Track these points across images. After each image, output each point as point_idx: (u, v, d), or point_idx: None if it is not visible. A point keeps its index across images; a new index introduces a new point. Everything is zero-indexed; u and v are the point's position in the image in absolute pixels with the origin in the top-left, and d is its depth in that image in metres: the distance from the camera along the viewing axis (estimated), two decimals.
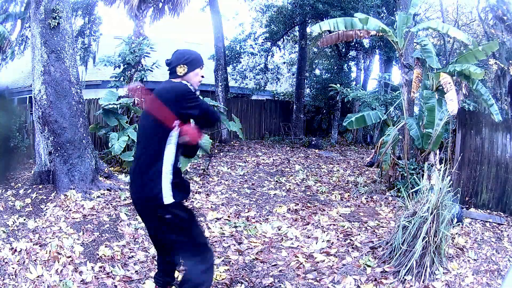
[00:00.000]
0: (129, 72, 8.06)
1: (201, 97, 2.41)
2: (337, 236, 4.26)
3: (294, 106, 14.95)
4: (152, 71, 8.37)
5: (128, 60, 7.78)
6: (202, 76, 2.46)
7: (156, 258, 2.74)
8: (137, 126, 7.50)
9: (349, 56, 16.13)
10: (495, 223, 4.98)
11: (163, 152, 2.22)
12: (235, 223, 4.61)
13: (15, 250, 3.47)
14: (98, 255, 3.51)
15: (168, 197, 2.20)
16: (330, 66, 16.36)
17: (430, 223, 3.23)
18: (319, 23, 6.32)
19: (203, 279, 2.29)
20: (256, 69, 15.84)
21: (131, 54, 7.77)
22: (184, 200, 2.42)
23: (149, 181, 2.21)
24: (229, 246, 3.91)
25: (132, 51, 7.81)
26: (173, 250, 2.43)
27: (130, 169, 2.40)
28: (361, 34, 6.10)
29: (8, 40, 8.35)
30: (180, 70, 2.35)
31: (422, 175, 3.89)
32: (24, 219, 4.31)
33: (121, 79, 8.04)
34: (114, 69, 8.06)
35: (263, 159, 9.74)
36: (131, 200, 2.76)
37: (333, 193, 6.38)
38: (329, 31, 6.59)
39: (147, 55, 8.11)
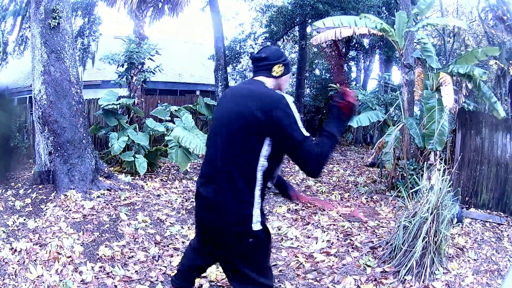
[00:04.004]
0: (131, 71, 8.10)
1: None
2: (337, 236, 4.26)
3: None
4: (154, 73, 8.44)
5: (132, 60, 7.82)
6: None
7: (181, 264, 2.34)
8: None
9: (349, 56, 16.12)
10: (495, 223, 4.98)
11: (256, 169, 1.83)
12: None
13: (15, 250, 3.47)
14: (98, 255, 3.51)
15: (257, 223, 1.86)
16: (330, 66, 16.34)
17: (430, 223, 3.23)
18: (322, 19, 6.27)
19: None
20: None
21: (136, 53, 7.82)
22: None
23: (239, 204, 1.84)
24: None
25: (138, 50, 7.86)
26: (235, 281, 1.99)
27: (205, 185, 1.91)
28: (359, 31, 6.03)
29: None
30: (278, 69, 2.00)
31: (422, 175, 3.89)
32: (24, 219, 4.31)
33: (124, 78, 8.09)
34: (118, 67, 8.11)
35: None
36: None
37: (333, 193, 6.37)
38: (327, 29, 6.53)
39: (151, 58, 8.17)
